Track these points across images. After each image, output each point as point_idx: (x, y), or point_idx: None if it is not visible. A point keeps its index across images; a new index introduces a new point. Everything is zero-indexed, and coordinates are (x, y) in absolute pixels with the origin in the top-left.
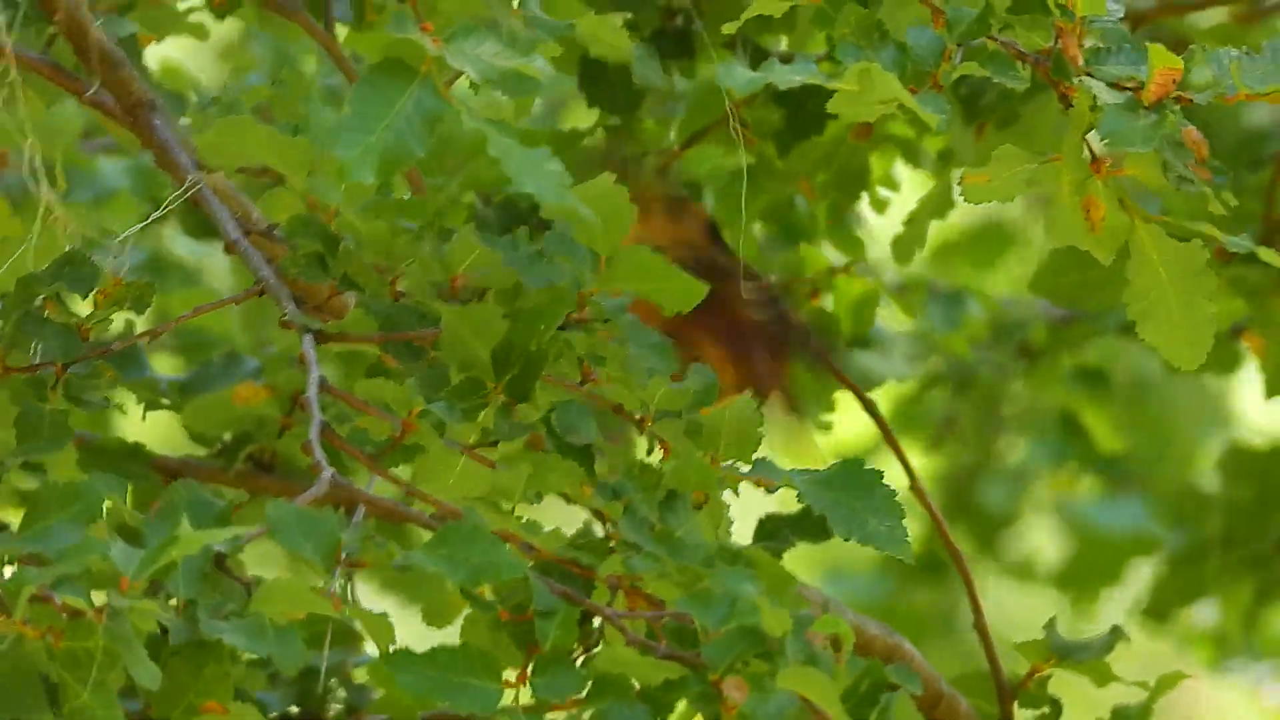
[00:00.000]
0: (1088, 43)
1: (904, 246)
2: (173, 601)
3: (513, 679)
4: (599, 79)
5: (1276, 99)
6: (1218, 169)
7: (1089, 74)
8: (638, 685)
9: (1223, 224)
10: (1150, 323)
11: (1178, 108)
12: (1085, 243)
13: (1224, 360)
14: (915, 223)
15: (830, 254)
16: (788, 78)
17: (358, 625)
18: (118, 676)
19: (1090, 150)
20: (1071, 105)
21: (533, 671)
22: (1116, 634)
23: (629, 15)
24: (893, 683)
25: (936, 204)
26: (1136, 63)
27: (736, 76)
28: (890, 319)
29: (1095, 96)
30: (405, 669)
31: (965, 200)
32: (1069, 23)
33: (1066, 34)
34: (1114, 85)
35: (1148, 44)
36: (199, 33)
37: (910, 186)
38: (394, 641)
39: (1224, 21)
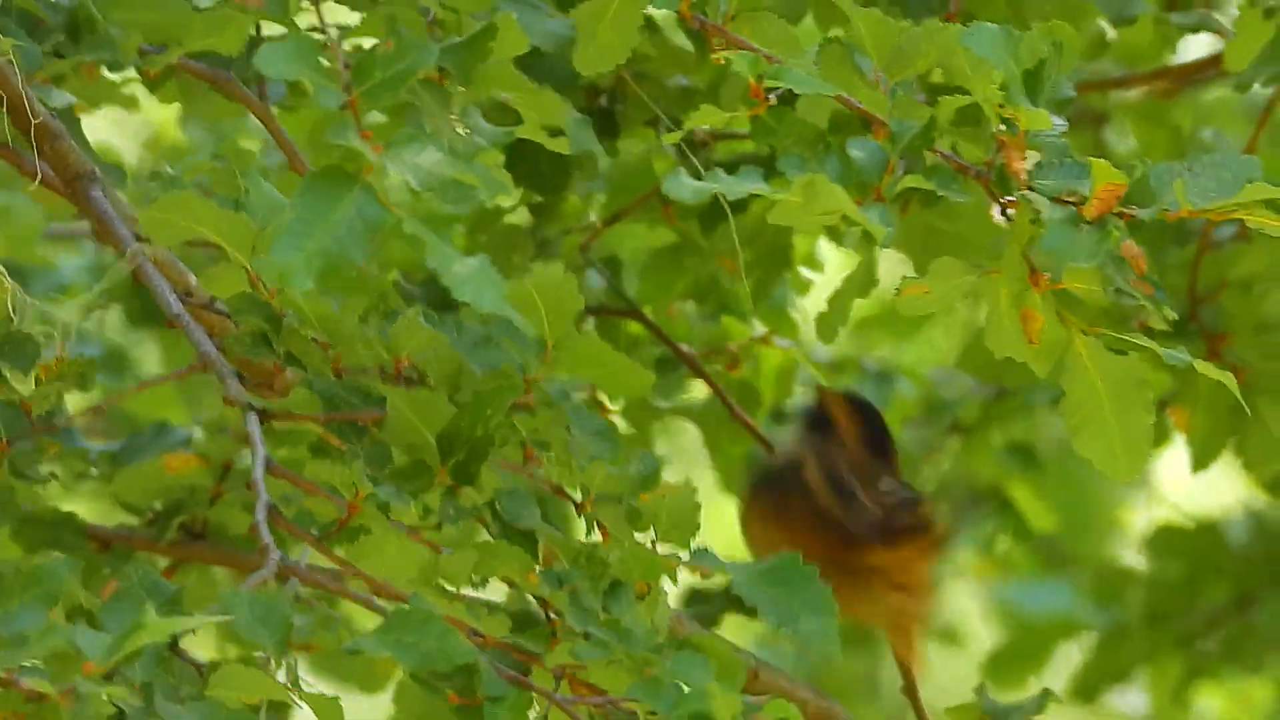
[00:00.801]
0: (1030, 156)
1: (828, 325)
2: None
3: None
4: (527, 159)
5: (1219, 216)
6: (1156, 283)
7: (1031, 188)
8: None
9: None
10: (1086, 435)
11: (1121, 223)
12: (1023, 354)
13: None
14: (839, 301)
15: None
16: (735, 188)
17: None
18: None
19: (1029, 263)
20: (1011, 219)
21: None
22: (1047, 696)
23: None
24: None
25: (860, 283)
26: (1079, 177)
27: (683, 188)
28: None
29: (1037, 211)
30: None
31: (903, 312)
32: (1012, 136)
33: (1009, 148)
34: (1056, 199)
35: (1090, 159)
36: (131, 104)
37: (833, 264)
38: None
39: (1146, 98)
